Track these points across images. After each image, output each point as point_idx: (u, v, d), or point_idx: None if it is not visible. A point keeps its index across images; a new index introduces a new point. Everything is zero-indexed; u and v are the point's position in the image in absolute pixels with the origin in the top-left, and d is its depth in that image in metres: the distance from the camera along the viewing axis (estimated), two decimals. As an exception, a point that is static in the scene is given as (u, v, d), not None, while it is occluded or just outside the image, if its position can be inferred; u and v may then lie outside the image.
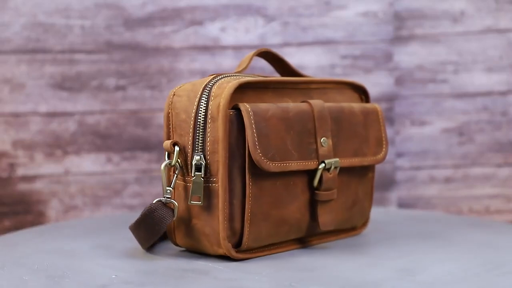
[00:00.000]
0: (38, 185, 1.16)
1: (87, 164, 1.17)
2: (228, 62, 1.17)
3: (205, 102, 0.68)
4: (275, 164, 0.68)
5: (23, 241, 0.80)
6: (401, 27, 1.17)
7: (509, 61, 1.17)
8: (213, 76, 0.71)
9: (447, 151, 1.18)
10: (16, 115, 1.16)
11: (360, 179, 0.79)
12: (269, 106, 0.69)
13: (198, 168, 0.67)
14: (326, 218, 0.74)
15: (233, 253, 0.68)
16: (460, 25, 1.17)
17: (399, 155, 1.18)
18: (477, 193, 1.18)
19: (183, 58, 1.17)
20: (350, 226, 0.80)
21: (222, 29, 1.17)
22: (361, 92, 0.82)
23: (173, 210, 0.69)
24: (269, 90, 0.72)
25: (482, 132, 1.18)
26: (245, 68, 0.76)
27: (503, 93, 1.18)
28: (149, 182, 1.17)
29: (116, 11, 1.16)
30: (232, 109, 0.68)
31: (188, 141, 0.68)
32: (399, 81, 1.18)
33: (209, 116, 0.67)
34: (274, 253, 0.72)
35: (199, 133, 0.68)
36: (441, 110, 1.18)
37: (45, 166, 1.16)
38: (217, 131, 0.66)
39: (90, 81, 1.16)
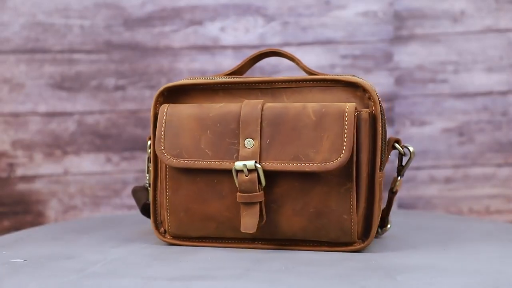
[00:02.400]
0: (37, 185, 1.16)
1: (87, 164, 1.16)
2: (228, 62, 1.16)
3: None
4: (179, 160, 0.74)
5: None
6: (401, 27, 1.17)
7: (509, 61, 1.17)
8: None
9: (447, 151, 1.18)
10: (15, 115, 1.15)
11: (329, 188, 0.71)
12: (190, 107, 0.75)
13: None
14: (247, 220, 0.72)
15: (159, 236, 0.77)
16: (460, 25, 1.17)
17: (399, 155, 1.18)
18: (477, 193, 1.18)
19: (182, 58, 1.16)
20: (327, 239, 0.73)
21: (222, 29, 1.17)
22: (360, 89, 0.73)
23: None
24: (219, 91, 0.77)
25: (482, 132, 1.18)
26: (235, 69, 0.81)
27: (503, 93, 1.17)
28: (149, 182, 1.17)
29: (116, 11, 1.16)
30: None
31: None
32: (399, 81, 1.18)
33: None
34: (207, 246, 0.76)
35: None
36: (441, 110, 1.18)
37: (44, 166, 1.16)
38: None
39: (90, 81, 1.16)
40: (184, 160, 0.74)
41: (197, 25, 1.17)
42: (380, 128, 0.72)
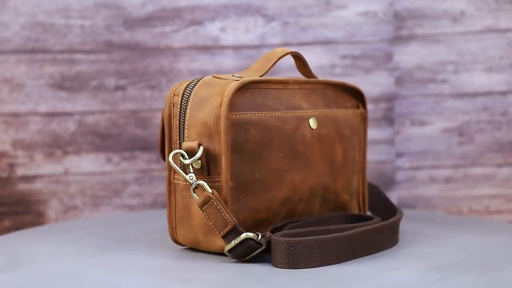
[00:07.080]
0: (37, 185, 1.16)
1: (87, 164, 1.17)
2: (228, 62, 1.16)
3: None
4: None
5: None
6: (401, 27, 1.17)
7: (509, 61, 1.17)
8: None
9: (447, 151, 1.18)
10: (15, 115, 1.16)
11: None
12: None
13: None
14: None
15: None
16: (460, 25, 1.17)
17: (399, 155, 1.18)
18: (477, 193, 1.18)
19: (183, 58, 1.17)
20: None
21: (222, 29, 1.17)
22: None
23: None
24: None
25: (482, 132, 1.18)
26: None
27: (503, 93, 1.18)
28: (149, 182, 1.17)
29: (116, 11, 1.16)
30: None
31: None
32: (399, 81, 1.18)
33: None
34: None
35: None
36: (441, 110, 1.18)
37: (44, 166, 1.16)
38: None
39: (90, 81, 1.16)
40: None
41: (197, 25, 1.17)
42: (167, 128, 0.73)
